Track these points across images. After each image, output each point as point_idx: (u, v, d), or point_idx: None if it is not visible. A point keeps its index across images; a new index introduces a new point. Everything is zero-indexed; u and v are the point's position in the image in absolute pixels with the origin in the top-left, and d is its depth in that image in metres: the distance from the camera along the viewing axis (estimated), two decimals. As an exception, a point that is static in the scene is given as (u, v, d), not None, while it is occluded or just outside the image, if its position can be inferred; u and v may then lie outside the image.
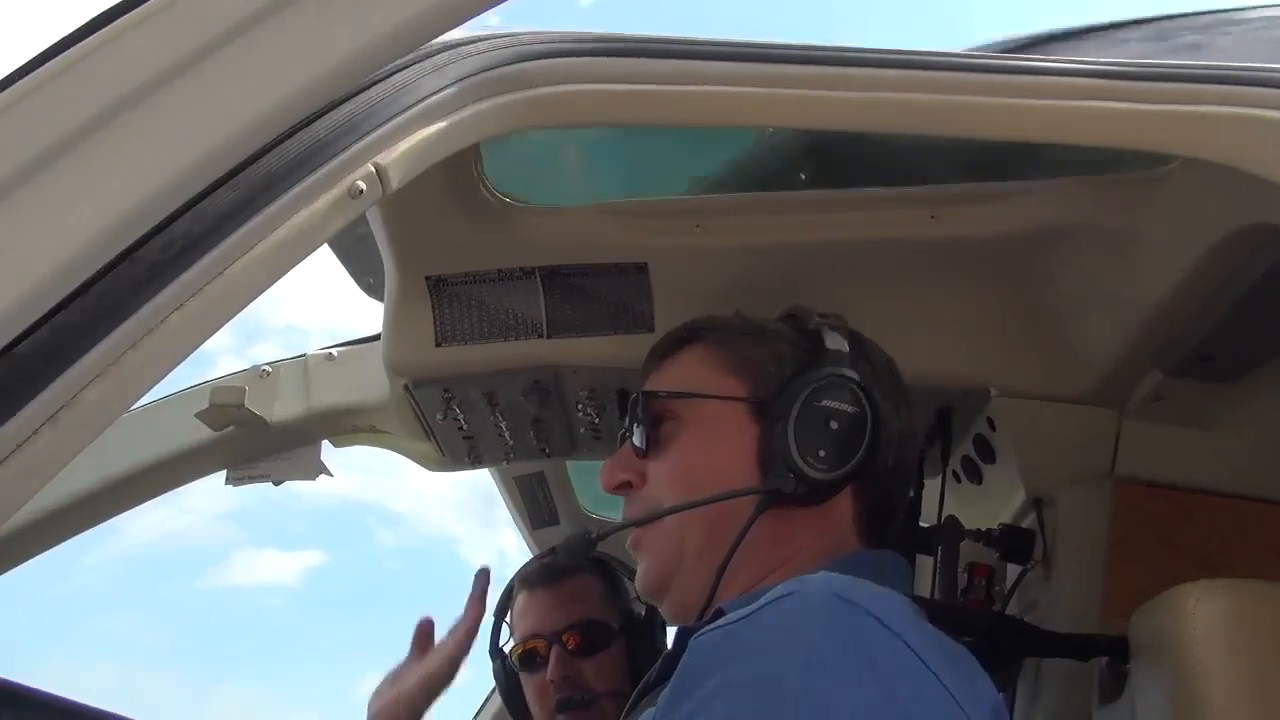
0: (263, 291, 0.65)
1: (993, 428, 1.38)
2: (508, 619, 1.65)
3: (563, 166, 1.37)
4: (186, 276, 0.60)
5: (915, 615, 0.73)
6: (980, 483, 1.46)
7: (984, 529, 1.39)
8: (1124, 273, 1.19)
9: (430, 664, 1.42)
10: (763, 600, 0.71)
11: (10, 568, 1.44)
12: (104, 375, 0.56)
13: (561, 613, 1.56)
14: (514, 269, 1.31)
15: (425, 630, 1.46)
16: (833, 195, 1.28)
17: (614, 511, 2.14)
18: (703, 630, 0.73)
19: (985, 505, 1.45)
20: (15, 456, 0.52)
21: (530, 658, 1.56)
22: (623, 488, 0.98)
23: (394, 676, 1.44)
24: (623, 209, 1.30)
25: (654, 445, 0.97)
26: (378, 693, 1.44)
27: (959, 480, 1.52)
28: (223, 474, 1.59)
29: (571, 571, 1.63)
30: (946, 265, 1.30)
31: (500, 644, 1.65)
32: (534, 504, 2.03)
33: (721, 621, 0.72)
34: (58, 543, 1.49)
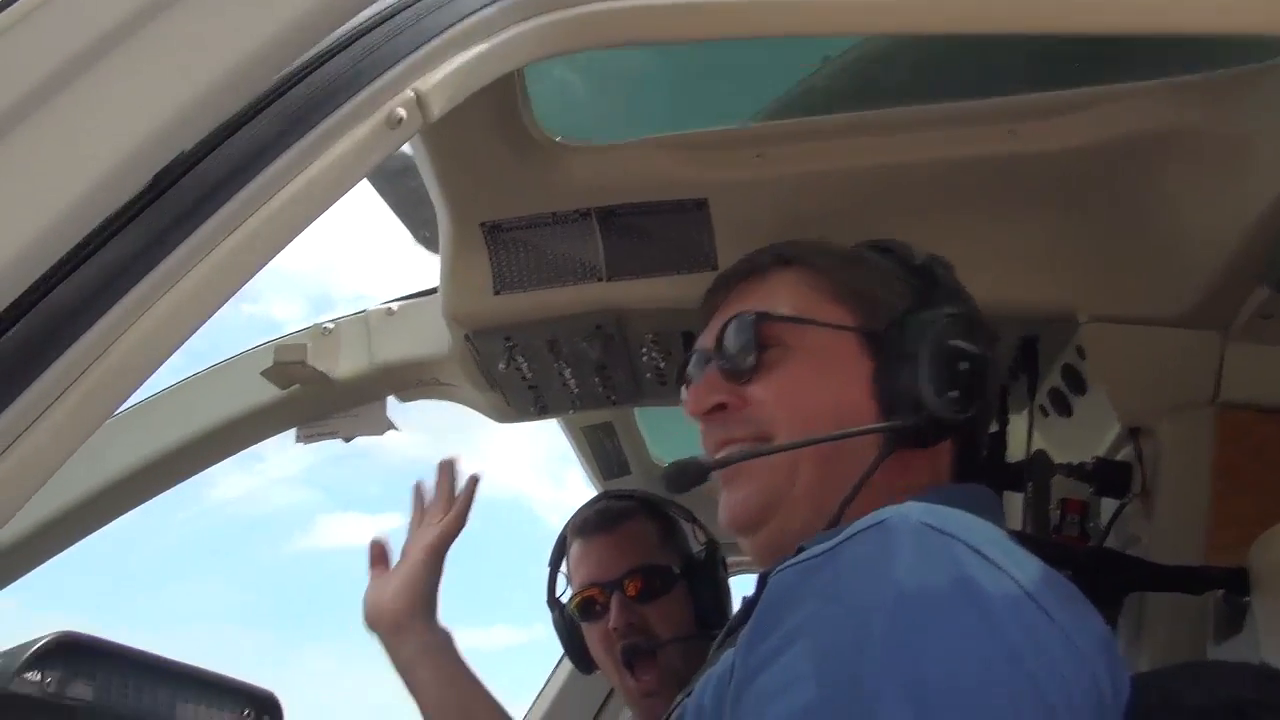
0: (304, 228, 0.62)
1: (1082, 356, 1.30)
2: (563, 569, 1.62)
3: (613, 101, 1.32)
4: (225, 211, 0.57)
5: (1014, 544, 0.67)
6: (1069, 416, 1.38)
7: (1076, 463, 1.32)
8: (1227, 180, 1.10)
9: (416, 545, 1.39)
10: (845, 533, 0.66)
11: (98, 528, 1.47)
12: (150, 311, 0.54)
13: (620, 559, 1.52)
14: (569, 211, 1.27)
15: (379, 550, 1.42)
16: (902, 114, 1.20)
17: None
18: (782, 567, 0.68)
19: (1076, 439, 1.37)
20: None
21: (589, 606, 1.53)
22: (716, 411, 0.92)
23: (377, 586, 1.39)
24: (679, 142, 1.24)
25: (758, 370, 0.91)
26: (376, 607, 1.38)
27: (1045, 414, 1.44)
28: (293, 433, 1.61)
29: (626, 516, 1.59)
30: (1028, 184, 1.22)
31: (557, 594, 1.62)
32: (604, 455, 2.00)
33: (802, 557, 0.67)
34: (142, 501, 1.52)
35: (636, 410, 1.91)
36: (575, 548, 1.59)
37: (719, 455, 0.91)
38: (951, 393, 0.85)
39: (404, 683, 1.32)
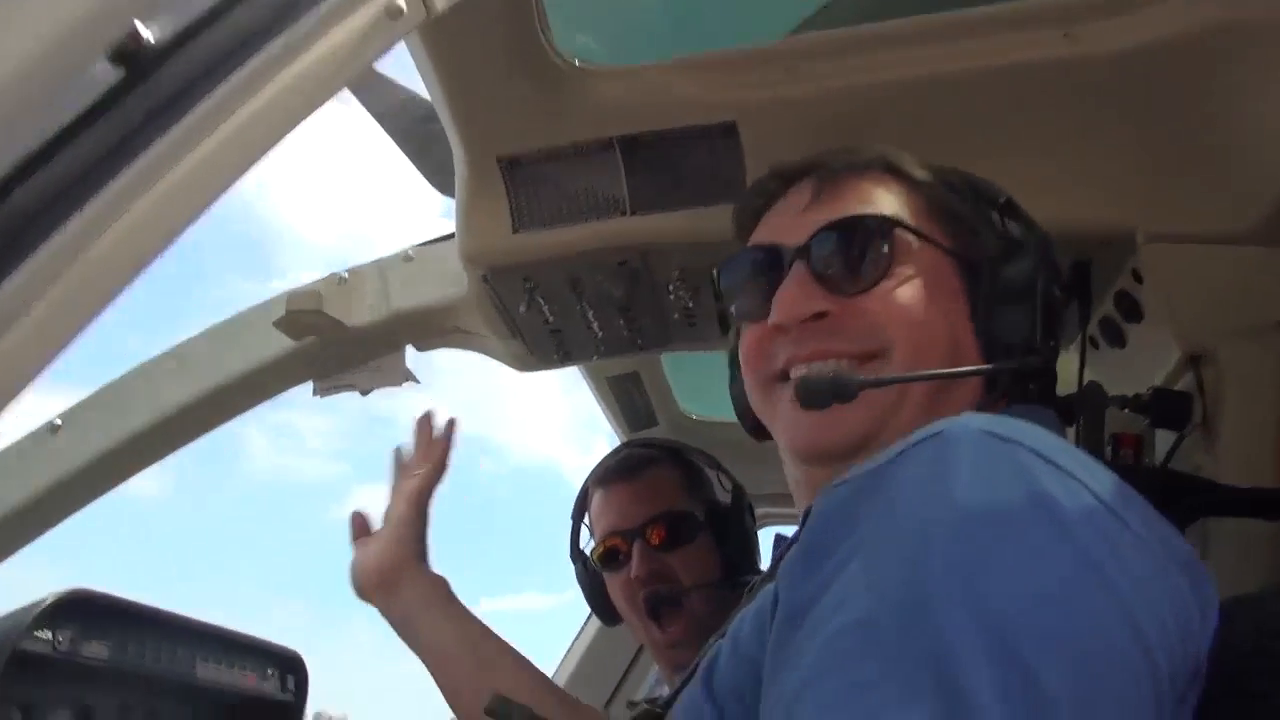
0: (298, 122, 0.56)
1: (1139, 280, 1.22)
2: (586, 520, 1.58)
3: (636, 22, 1.25)
4: (211, 101, 0.51)
5: (1084, 454, 0.60)
6: (1123, 346, 1.30)
7: (1131, 395, 1.24)
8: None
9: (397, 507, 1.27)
10: (898, 447, 0.60)
11: (113, 485, 1.44)
12: (137, 203, 0.49)
13: (641, 506, 1.48)
14: (590, 142, 1.20)
15: (360, 521, 1.30)
16: (945, 19, 1.11)
17: (715, 410, 2.05)
18: (832, 485, 0.62)
19: (1130, 370, 1.29)
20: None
21: (612, 556, 1.48)
22: (814, 320, 0.82)
23: (362, 553, 1.27)
24: (704, 62, 1.17)
25: (864, 279, 0.83)
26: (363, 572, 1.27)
27: (1095, 346, 1.37)
28: (310, 388, 1.56)
29: (648, 463, 1.54)
30: (1083, 92, 1.13)
31: (580, 547, 1.58)
32: (630, 406, 1.95)
33: (853, 475, 0.61)
34: (160, 457, 1.49)
35: (664, 359, 1.86)
36: (597, 498, 1.55)
37: (832, 370, 0.80)
38: (1051, 340, 0.84)
39: (405, 641, 1.21)
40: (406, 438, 1.30)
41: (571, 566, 1.60)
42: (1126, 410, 1.26)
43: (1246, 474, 1.12)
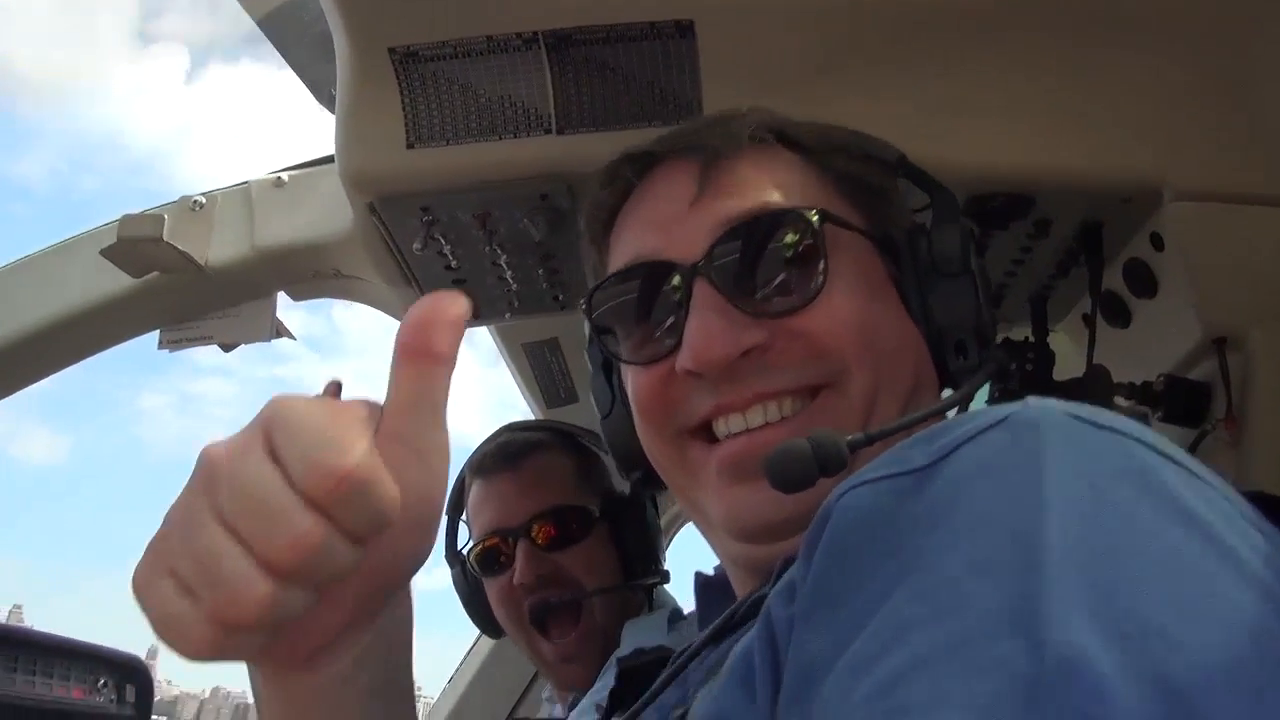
0: None
1: (1158, 247, 1.03)
2: (464, 516, 1.35)
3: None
4: None
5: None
6: (1127, 325, 1.12)
7: (1137, 383, 1.06)
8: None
9: None
10: (943, 439, 0.40)
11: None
12: None
13: (525, 501, 1.26)
14: (509, 35, 0.96)
15: None
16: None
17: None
18: (850, 485, 0.41)
19: (1133, 354, 1.10)
20: None
21: (491, 558, 1.26)
22: (749, 356, 0.64)
23: None
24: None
25: (799, 294, 0.65)
26: None
27: (1086, 325, 1.18)
28: (156, 336, 1.28)
29: (533, 450, 1.31)
30: (1108, 16, 0.94)
31: (457, 548, 1.35)
32: (548, 378, 1.70)
33: (878, 473, 0.41)
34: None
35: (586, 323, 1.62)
36: (475, 490, 1.32)
37: (809, 439, 0.56)
38: (995, 322, 0.71)
39: None
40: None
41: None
42: (1131, 401, 1.08)
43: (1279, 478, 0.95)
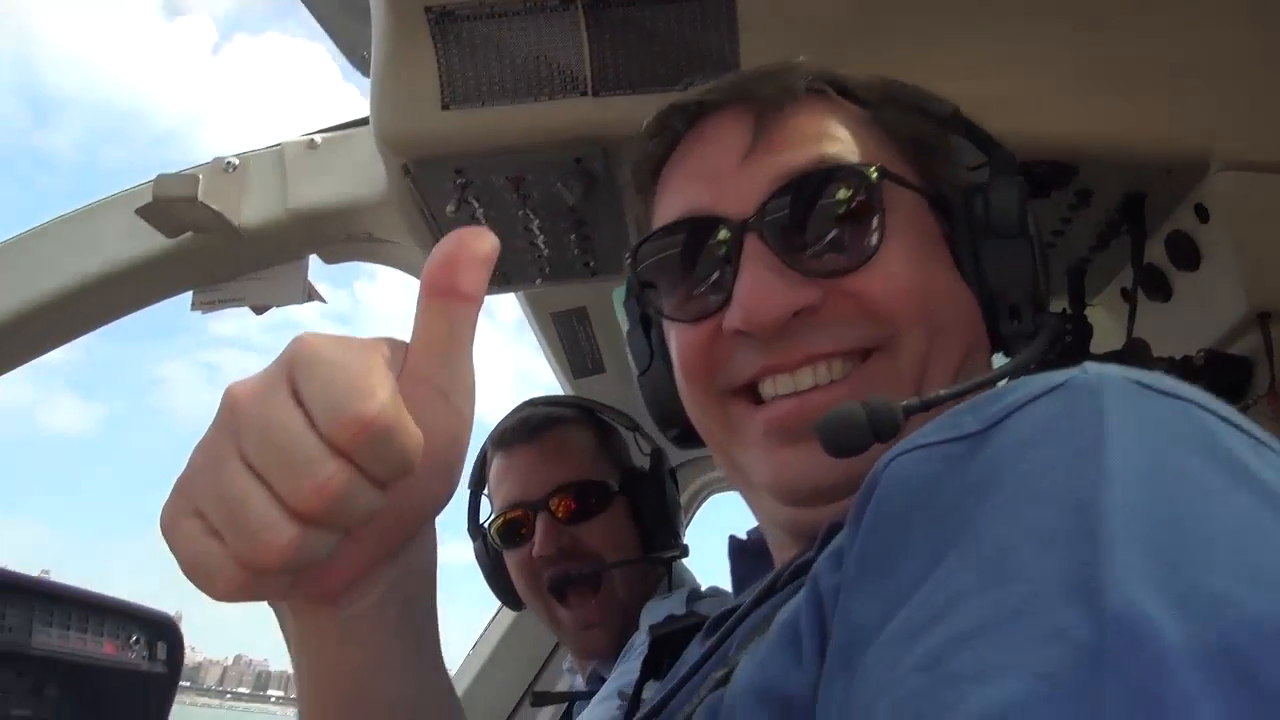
0: None
1: (1203, 219, 1.01)
2: (486, 490, 1.36)
3: None
4: None
5: None
6: (1167, 299, 1.10)
7: (1176, 357, 1.04)
8: None
9: None
10: (996, 405, 0.39)
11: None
12: None
13: (546, 474, 1.26)
14: (546, -6, 0.94)
15: None
16: None
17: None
18: (899, 451, 0.40)
19: (1174, 328, 1.09)
20: None
21: (512, 530, 1.27)
22: (799, 316, 0.61)
23: None
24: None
25: (856, 253, 0.62)
26: None
27: (1125, 299, 1.16)
28: (190, 298, 1.29)
29: (553, 424, 1.32)
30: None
31: (480, 521, 1.36)
32: (575, 348, 1.70)
33: (928, 439, 0.40)
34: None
35: (616, 293, 1.61)
36: (496, 463, 1.33)
37: (864, 403, 0.55)
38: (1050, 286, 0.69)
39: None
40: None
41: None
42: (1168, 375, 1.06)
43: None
